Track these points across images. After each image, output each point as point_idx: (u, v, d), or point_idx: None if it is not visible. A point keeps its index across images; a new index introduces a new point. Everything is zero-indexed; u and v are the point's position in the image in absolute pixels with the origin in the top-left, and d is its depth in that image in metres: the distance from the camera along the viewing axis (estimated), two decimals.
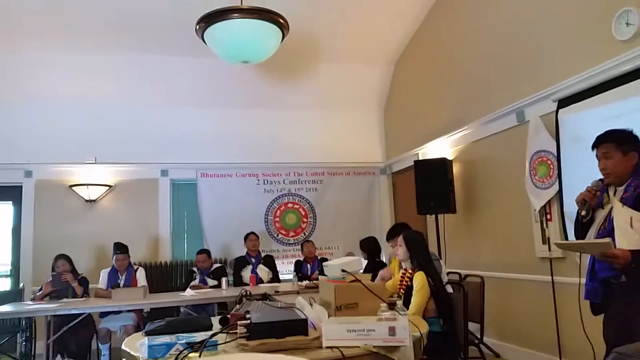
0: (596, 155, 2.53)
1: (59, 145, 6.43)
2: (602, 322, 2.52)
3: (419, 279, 3.18)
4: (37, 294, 5.08)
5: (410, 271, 3.34)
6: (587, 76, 3.83)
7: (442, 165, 5.54)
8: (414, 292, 3.16)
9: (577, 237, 2.63)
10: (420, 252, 3.38)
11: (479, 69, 5.32)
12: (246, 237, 6.12)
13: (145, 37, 6.01)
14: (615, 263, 2.27)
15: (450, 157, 5.78)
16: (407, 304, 3.18)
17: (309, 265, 6.13)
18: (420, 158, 6.35)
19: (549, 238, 4.29)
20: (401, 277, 3.42)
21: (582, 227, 2.56)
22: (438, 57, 6.18)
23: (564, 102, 4.08)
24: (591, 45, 3.86)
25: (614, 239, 2.33)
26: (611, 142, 2.46)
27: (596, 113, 3.75)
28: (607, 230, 2.41)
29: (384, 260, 6.12)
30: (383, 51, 7.03)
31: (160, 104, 6.79)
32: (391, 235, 4.36)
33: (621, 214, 2.35)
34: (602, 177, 2.55)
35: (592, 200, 2.49)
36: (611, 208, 2.43)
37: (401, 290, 3.36)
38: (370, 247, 5.42)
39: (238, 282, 5.84)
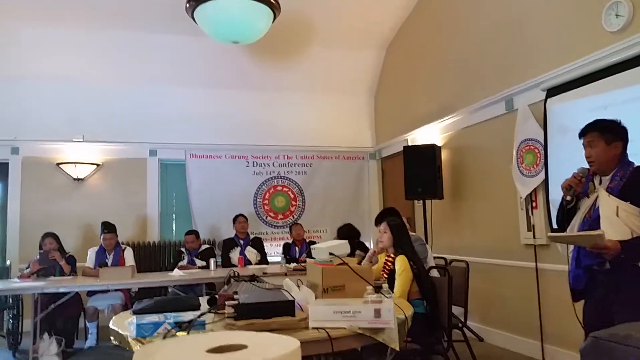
0: (583, 144, 2.56)
1: (47, 123, 6.37)
2: (582, 308, 2.58)
3: (401, 262, 3.23)
4: (25, 271, 5.07)
5: (392, 256, 3.39)
6: (576, 66, 3.86)
7: (430, 152, 5.58)
8: (396, 276, 3.21)
9: (560, 223, 2.67)
10: (404, 239, 3.45)
11: (469, 57, 5.33)
12: (235, 219, 6.14)
13: (137, 15, 5.93)
14: (606, 254, 2.31)
15: (439, 144, 5.82)
16: (391, 288, 3.24)
17: (297, 248, 6.17)
18: (410, 144, 6.38)
19: (534, 225, 4.36)
20: (385, 262, 3.47)
21: (566, 214, 2.60)
22: (429, 43, 6.18)
23: (552, 92, 4.12)
24: (581, 35, 3.88)
25: (599, 228, 2.37)
26: (595, 131, 2.49)
27: (584, 103, 3.80)
28: (592, 218, 2.45)
29: (370, 245, 6.17)
30: (374, 36, 7.01)
31: (149, 83, 6.73)
32: (380, 219, 4.39)
33: (607, 203, 2.39)
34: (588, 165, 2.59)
35: (578, 186, 2.52)
36: (596, 197, 2.46)
37: (384, 274, 3.41)
38: (346, 234, 5.47)
39: (226, 263, 5.87)
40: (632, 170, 2.41)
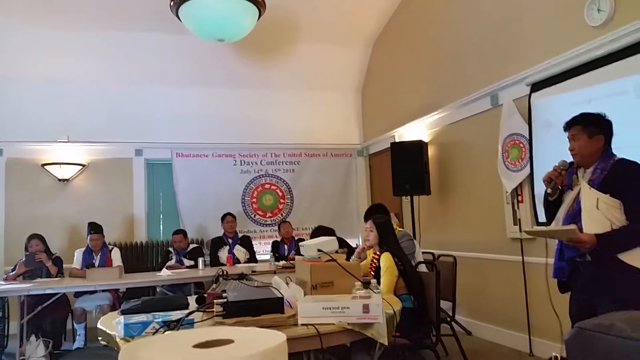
0: (567, 137, 2.59)
1: (31, 123, 6.29)
2: (569, 299, 2.63)
3: (385, 259, 3.26)
4: (10, 273, 5.01)
5: (378, 253, 3.41)
6: (560, 61, 3.90)
7: (417, 148, 5.61)
8: (382, 273, 3.24)
9: (547, 216, 2.71)
10: (389, 236, 3.48)
11: (455, 52, 5.36)
12: (223, 218, 6.12)
13: (120, 14, 5.87)
14: (582, 247, 2.35)
15: (426, 140, 5.85)
16: (378, 283, 3.25)
17: (285, 246, 6.17)
18: (397, 140, 6.40)
19: (520, 219, 4.40)
20: (372, 259, 3.49)
21: (552, 206, 2.63)
22: (415, 39, 6.20)
23: (536, 86, 4.16)
24: (564, 30, 3.92)
25: (580, 221, 2.41)
26: (579, 124, 2.53)
27: (567, 97, 3.83)
28: (575, 211, 2.49)
29: (359, 241, 6.18)
30: (361, 32, 7.02)
31: (134, 83, 6.68)
32: (368, 216, 4.41)
33: (588, 196, 2.42)
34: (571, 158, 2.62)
35: (558, 179, 2.55)
36: (579, 190, 2.49)
37: (371, 272, 3.43)
38: (320, 234, 5.49)
39: (215, 262, 5.85)
40: (612, 163, 2.44)
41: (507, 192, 4.52)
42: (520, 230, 4.37)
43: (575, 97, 3.75)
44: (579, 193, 2.50)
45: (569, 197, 2.57)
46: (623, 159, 2.46)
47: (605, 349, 1.07)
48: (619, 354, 1.04)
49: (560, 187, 2.60)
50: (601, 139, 2.48)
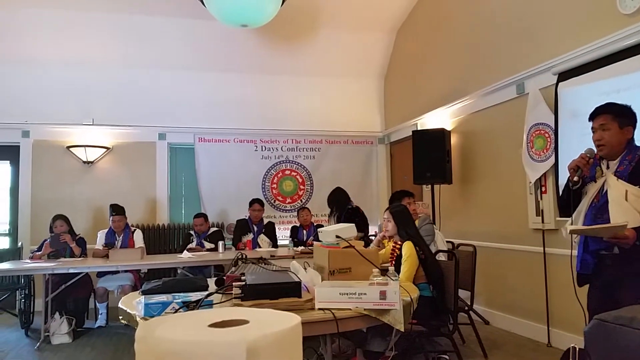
0: (592, 127, 2.52)
1: (57, 106, 6.40)
2: (587, 293, 2.58)
3: (406, 248, 3.26)
4: (36, 252, 5.14)
5: (400, 242, 3.40)
6: (589, 49, 3.80)
7: (440, 136, 5.54)
8: (402, 261, 3.23)
9: (564, 205, 2.63)
10: (408, 223, 3.46)
11: (480, 39, 5.26)
12: (251, 204, 6.10)
13: None
14: (625, 243, 2.28)
15: (449, 128, 5.78)
16: (397, 273, 3.25)
17: (304, 232, 6.19)
18: (419, 128, 6.34)
19: (542, 210, 4.33)
20: (392, 249, 3.48)
21: (572, 195, 2.56)
22: (440, 26, 6.10)
23: (564, 75, 4.07)
24: (595, 18, 3.81)
25: (606, 213, 2.35)
26: (609, 113, 2.46)
27: (595, 87, 3.74)
28: (600, 203, 2.43)
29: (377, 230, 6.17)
30: (385, 19, 6.94)
31: (158, 67, 6.73)
32: (392, 201, 4.44)
33: (616, 187, 2.37)
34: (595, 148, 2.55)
35: (585, 167, 2.49)
36: (604, 182, 2.44)
37: (392, 261, 3.42)
38: (336, 198, 5.60)
39: (237, 244, 5.91)
40: None
41: (530, 182, 4.45)
42: (542, 221, 4.31)
43: (603, 87, 3.66)
44: (603, 185, 2.43)
45: (592, 190, 2.51)
46: None
47: (626, 341, 1.06)
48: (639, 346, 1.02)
49: (583, 178, 2.53)
50: (630, 130, 2.44)
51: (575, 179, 2.49)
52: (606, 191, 2.41)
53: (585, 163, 2.49)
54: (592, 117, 2.53)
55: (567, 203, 2.58)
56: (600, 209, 2.43)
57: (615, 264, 2.37)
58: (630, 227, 2.26)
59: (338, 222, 5.57)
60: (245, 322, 0.79)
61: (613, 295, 2.36)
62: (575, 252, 2.61)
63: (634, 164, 2.37)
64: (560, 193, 2.70)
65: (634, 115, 2.48)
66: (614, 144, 2.43)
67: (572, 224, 2.58)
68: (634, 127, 2.46)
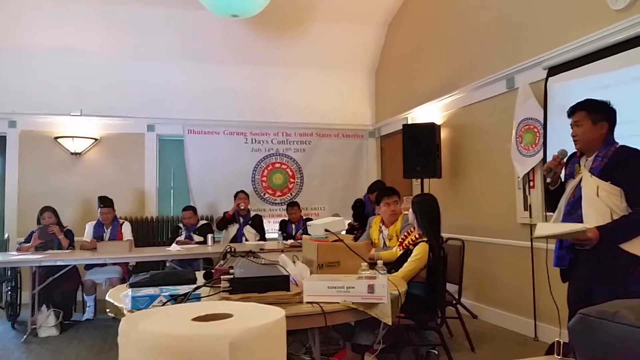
0: (570, 124, 2.58)
1: (44, 96, 6.33)
2: (567, 287, 2.63)
3: (420, 250, 3.21)
4: (23, 244, 5.09)
5: (416, 235, 3.37)
6: (579, 45, 3.81)
7: (430, 130, 5.55)
8: (409, 259, 3.20)
9: (550, 205, 2.71)
10: (427, 216, 3.38)
11: (471, 34, 5.27)
12: (236, 195, 6.11)
13: None
14: (589, 244, 2.35)
15: (439, 122, 5.79)
16: (400, 264, 3.24)
17: (293, 225, 6.19)
18: (410, 122, 6.35)
19: (530, 205, 4.36)
20: (405, 235, 3.46)
21: (553, 195, 2.64)
22: (432, 19, 6.10)
23: (554, 70, 4.08)
24: (585, 13, 3.83)
25: (580, 208, 2.43)
26: (583, 110, 2.51)
27: (585, 82, 3.76)
28: (575, 198, 2.50)
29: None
30: (377, 11, 6.92)
31: (148, 58, 6.67)
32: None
33: (589, 183, 2.43)
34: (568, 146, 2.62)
35: (557, 168, 2.56)
36: (581, 178, 2.49)
37: (401, 247, 3.41)
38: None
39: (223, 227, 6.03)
40: (613, 151, 2.43)
41: (519, 177, 4.48)
42: (530, 216, 4.34)
43: (592, 82, 3.68)
44: (580, 181, 2.49)
45: (570, 186, 2.57)
46: (623, 146, 2.45)
47: (609, 336, 1.07)
48: (622, 341, 1.03)
49: (561, 177, 2.60)
50: (605, 126, 2.47)
51: (548, 180, 2.58)
52: (581, 187, 2.47)
53: (557, 164, 2.57)
54: (570, 113, 2.59)
55: (550, 204, 2.68)
56: (574, 205, 2.49)
57: (589, 260, 2.42)
58: (599, 225, 2.31)
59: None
60: (229, 315, 0.79)
61: (588, 289, 2.42)
62: (552, 246, 2.69)
63: (606, 160, 2.42)
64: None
65: (610, 111, 2.51)
66: (588, 139, 2.49)
67: (553, 219, 2.66)
68: (610, 123, 2.50)
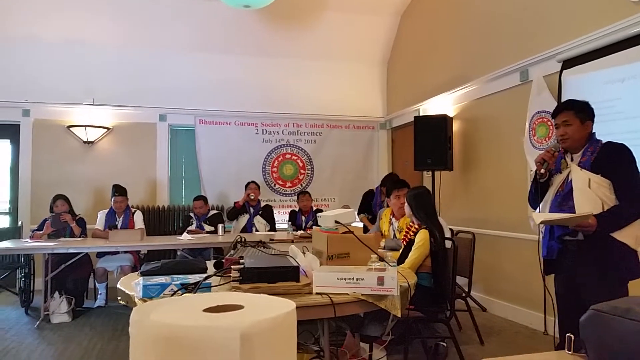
0: (555, 124, 2.69)
1: (58, 85, 6.37)
2: (554, 278, 2.75)
3: (421, 237, 3.23)
4: (36, 232, 5.15)
5: (416, 226, 3.38)
6: (595, 37, 3.76)
7: (442, 122, 5.52)
8: (413, 248, 3.22)
9: (533, 198, 2.79)
10: (425, 208, 3.42)
11: (485, 25, 5.21)
12: (247, 185, 6.14)
13: None
14: (588, 230, 2.44)
15: (451, 114, 5.75)
16: (405, 256, 3.24)
17: (303, 217, 6.19)
18: (421, 114, 6.31)
19: None
20: (407, 229, 3.47)
21: (540, 187, 2.73)
22: (445, 11, 6.04)
23: (568, 63, 4.03)
24: (601, 5, 3.77)
25: (571, 201, 2.53)
26: (571, 110, 2.63)
27: (600, 75, 3.71)
28: (565, 191, 2.60)
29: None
30: (389, 2, 6.87)
31: (160, 48, 6.68)
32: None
33: (579, 176, 2.54)
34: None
35: (551, 160, 2.66)
36: (569, 172, 2.60)
37: (404, 242, 3.42)
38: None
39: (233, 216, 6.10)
40: (601, 146, 2.57)
41: (531, 170, 4.43)
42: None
43: (608, 75, 3.63)
44: (568, 175, 2.61)
45: (557, 180, 2.68)
46: (610, 142, 2.58)
47: (621, 332, 1.06)
48: (635, 337, 1.03)
49: (549, 171, 2.70)
50: (590, 125, 2.62)
51: (542, 171, 2.66)
52: (571, 180, 2.58)
53: (551, 156, 2.66)
54: (555, 114, 2.69)
55: (534, 197, 2.76)
56: (565, 197, 2.59)
57: (579, 248, 2.53)
58: (593, 214, 2.42)
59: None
60: (240, 307, 0.79)
61: (574, 281, 2.56)
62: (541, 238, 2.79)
63: (596, 155, 2.55)
64: (529, 188, 2.84)
65: (592, 110, 2.65)
66: (577, 137, 2.60)
67: (540, 212, 2.75)
68: (593, 122, 2.63)
